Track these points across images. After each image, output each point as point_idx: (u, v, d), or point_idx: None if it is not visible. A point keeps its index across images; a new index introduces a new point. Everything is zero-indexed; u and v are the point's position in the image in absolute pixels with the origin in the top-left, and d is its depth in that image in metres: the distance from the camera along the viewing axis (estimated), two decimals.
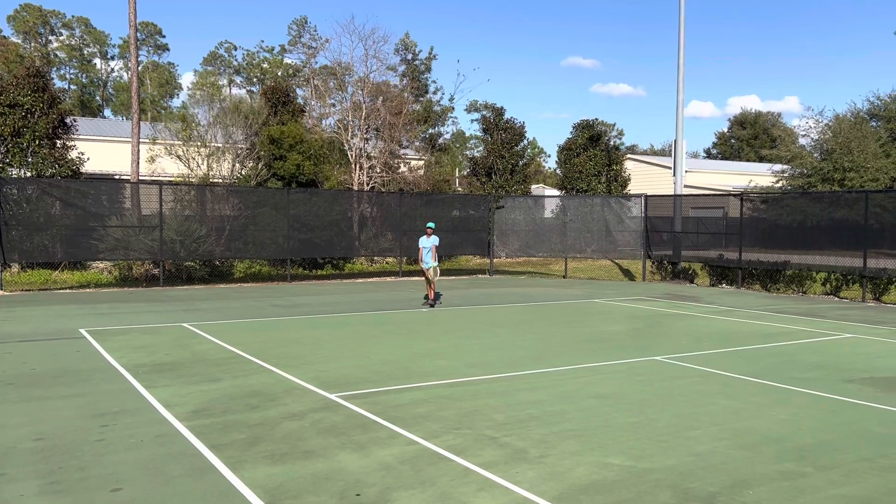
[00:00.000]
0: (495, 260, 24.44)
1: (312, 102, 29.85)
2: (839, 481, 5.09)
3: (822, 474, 5.22)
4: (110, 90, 76.48)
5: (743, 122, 75.96)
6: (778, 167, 35.56)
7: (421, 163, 31.13)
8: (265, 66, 68.63)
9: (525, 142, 33.25)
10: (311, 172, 23.27)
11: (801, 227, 21.17)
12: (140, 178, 21.89)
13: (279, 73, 56.47)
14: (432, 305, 15.13)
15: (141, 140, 22.27)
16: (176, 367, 8.73)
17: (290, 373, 8.48)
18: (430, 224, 15.70)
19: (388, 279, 22.04)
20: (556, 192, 36.86)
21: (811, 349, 10.58)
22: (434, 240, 15.19)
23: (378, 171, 27.13)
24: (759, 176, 40.82)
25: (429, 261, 15.08)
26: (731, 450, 5.77)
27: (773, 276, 19.18)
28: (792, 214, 22.65)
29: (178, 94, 74.72)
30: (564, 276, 23.88)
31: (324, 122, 28.84)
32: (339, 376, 8.35)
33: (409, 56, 35.19)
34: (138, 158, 21.87)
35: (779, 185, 34.64)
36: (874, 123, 34.90)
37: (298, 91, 32.74)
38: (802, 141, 36.00)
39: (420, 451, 5.67)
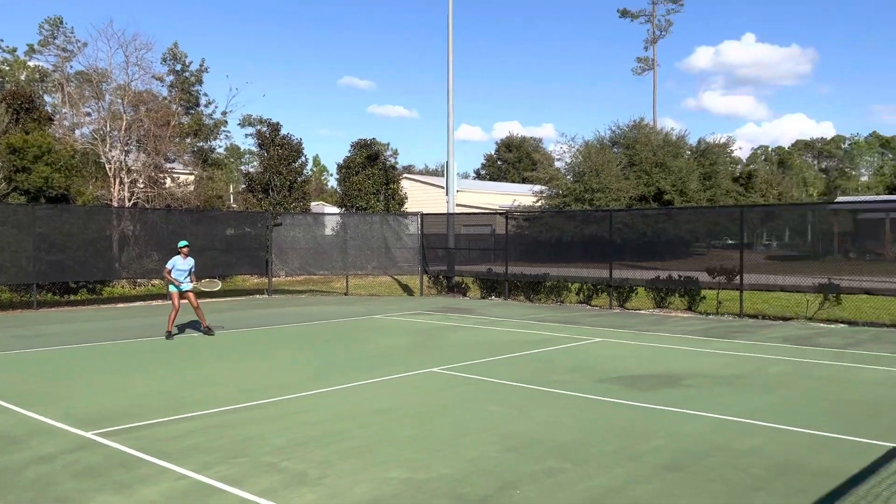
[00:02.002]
0: (274, 279, 23.82)
1: (64, 110, 27.01)
2: (593, 474, 5.62)
3: (579, 469, 5.74)
4: None
5: (509, 145, 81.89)
6: (538, 188, 38.81)
7: (191, 178, 29.49)
8: (6, 68, 60.73)
9: (303, 158, 32.93)
10: (61, 186, 20.98)
11: (559, 243, 23.29)
12: None
13: (23, 77, 50.31)
14: (209, 331, 13.74)
15: None
16: None
17: (35, 411, 7.53)
18: (184, 242, 13.71)
19: (155, 303, 20.49)
20: (336, 210, 36.88)
21: (568, 353, 11.61)
22: (191, 262, 13.52)
23: (141, 185, 25.22)
24: (522, 196, 44.20)
25: (188, 283, 13.46)
26: (500, 453, 6.13)
27: (535, 287, 20.80)
28: (550, 231, 24.84)
29: None
30: (346, 294, 23.92)
31: (77, 131, 26.20)
32: (96, 412, 7.58)
33: (179, 66, 33.34)
34: None
35: (539, 204, 37.80)
36: (616, 149, 39.43)
37: (47, 98, 29.50)
38: (558, 164, 39.69)
39: (191, 485, 5.31)
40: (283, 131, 32.53)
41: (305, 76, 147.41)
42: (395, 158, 37.26)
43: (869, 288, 15.61)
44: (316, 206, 47.98)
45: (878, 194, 63.53)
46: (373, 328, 15.03)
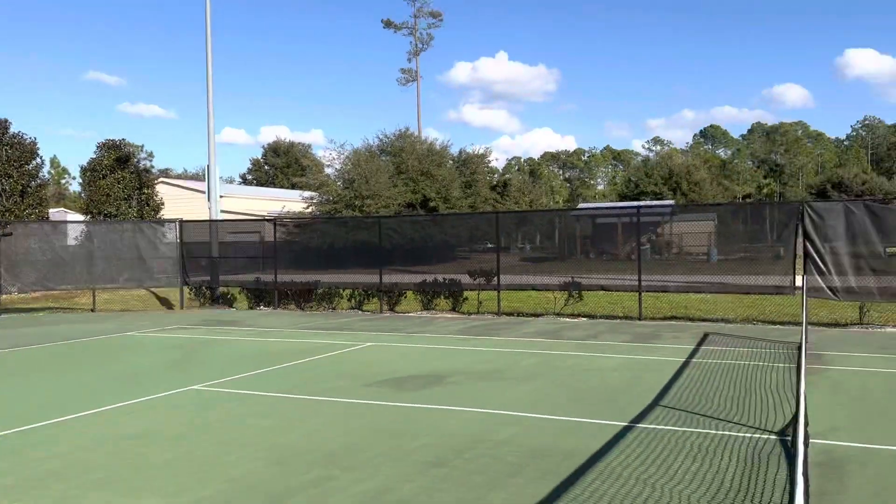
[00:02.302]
0: (4, 297, 20.89)
1: None
2: (362, 478, 5.62)
3: (348, 475, 5.71)
4: None
5: (277, 150, 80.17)
6: (308, 194, 38.41)
7: None
8: None
9: (38, 160, 29.34)
10: None
11: (331, 249, 23.17)
12: None
13: None
14: None
15: None
16: None
17: None
18: None
19: None
20: (80, 217, 33.37)
21: (339, 360, 11.58)
22: None
23: None
24: (292, 202, 43.43)
25: None
26: (266, 468, 5.91)
27: (306, 295, 20.50)
28: (322, 238, 24.65)
29: None
30: (93, 310, 21.67)
31: None
32: None
33: None
34: None
35: (309, 210, 37.41)
36: (384, 157, 40.29)
37: None
38: (328, 170, 39.62)
39: None
40: (14, 129, 28.74)
41: (42, 68, 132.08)
42: (151, 161, 34.71)
43: (605, 285, 17.54)
44: (56, 212, 43.14)
45: (611, 202, 71.95)
46: (125, 347, 13.78)
